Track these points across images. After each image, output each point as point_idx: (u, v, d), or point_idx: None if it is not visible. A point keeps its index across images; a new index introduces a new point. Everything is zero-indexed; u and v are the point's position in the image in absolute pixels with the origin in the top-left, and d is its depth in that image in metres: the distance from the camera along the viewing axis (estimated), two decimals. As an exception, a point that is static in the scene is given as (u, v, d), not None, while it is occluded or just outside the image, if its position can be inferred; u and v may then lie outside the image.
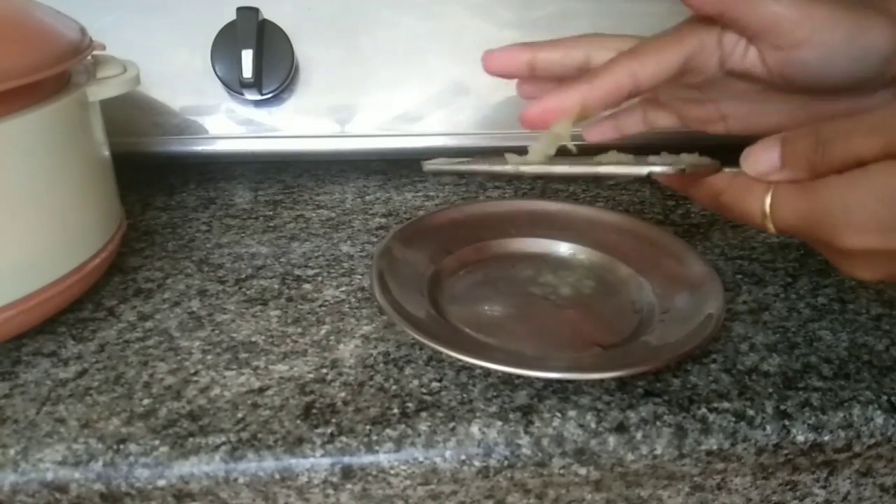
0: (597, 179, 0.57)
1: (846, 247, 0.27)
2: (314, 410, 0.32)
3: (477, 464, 0.31)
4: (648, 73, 0.32)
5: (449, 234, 0.44)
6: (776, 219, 0.29)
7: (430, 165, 0.35)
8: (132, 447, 0.31)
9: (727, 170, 0.31)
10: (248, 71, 0.51)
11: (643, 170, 0.30)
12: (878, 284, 0.42)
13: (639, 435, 0.32)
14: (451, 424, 0.32)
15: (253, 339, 0.38)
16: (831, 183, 0.27)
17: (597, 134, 0.40)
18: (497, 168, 0.33)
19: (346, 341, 0.37)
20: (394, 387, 0.34)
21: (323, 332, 0.38)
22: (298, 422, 0.32)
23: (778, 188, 0.29)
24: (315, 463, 0.31)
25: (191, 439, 0.31)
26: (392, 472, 0.31)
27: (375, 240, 0.48)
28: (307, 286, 0.42)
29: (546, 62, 0.36)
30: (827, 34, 0.31)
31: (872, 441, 0.33)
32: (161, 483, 0.30)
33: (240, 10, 0.51)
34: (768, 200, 0.29)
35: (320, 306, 0.40)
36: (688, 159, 0.32)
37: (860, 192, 0.26)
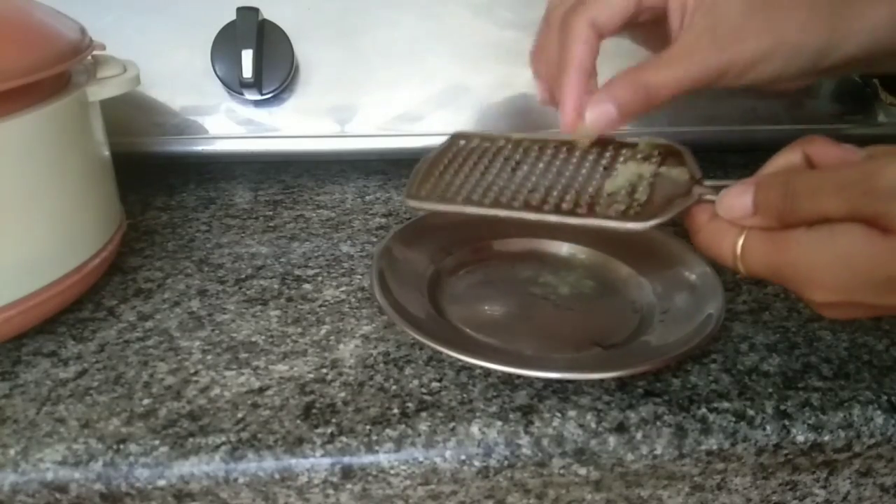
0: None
1: (812, 300, 0.28)
2: (314, 410, 0.32)
3: (477, 464, 0.31)
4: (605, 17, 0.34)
5: (449, 234, 0.44)
6: (746, 265, 0.29)
7: (413, 203, 0.35)
8: (132, 447, 0.31)
9: (705, 195, 0.31)
10: (248, 71, 0.51)
11: (620, 226, 0.32)
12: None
13: (639, 435, 0.32)
14: (451, 424, 0.32)
15: (253, 339, 0.38)
16: (798, 240, 0.28)
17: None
18: (481, 211, 0.34)
19: (346, 341, 0.37)
20: (394, 387, 0.34)
21: (323, 332, 0.38)
22: (298, 422, 0.32)
23: (749, 236, 0.29)
24: (315, 463, 0.31)
25: (191, 439, 0.31)
26: (392, 472, 0.31)
27: (375, 240, 0.48)
28: (307, 286, 0.42)
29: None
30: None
31: (872, 441, 0.33)
32: (161, 483, 0.30)
33: (240, 10, 0.51)
34: (740, 245, 0.29)
35: (320, 306, 0.40)
36: (668, 177, 0.34)
37: (825, 255, 0.27)
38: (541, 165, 0.35)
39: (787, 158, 0.30)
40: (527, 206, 0.33)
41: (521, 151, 0.37)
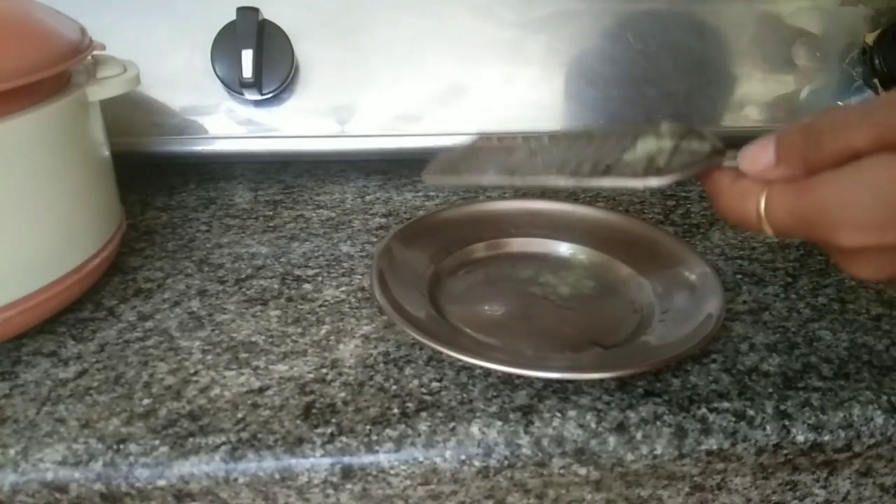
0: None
1: (844, 245, 0.26)
2: (314, 410, 0.32)
3: (477, 464, 0.31)
4: None
5: (449, 234, 0.44)
6: (772, 220, 0.28)
7: (430, 178, 0.35)
8: (132, 447, 0.31)
9: (728, 163, 0.30)
10: (248, 71, 0.51)
11: (637, 183, 0.30)
12: (878, 285, 0.42)
13: (639, 435, 0.32)
14: (451, 424, 0.32)
15: (253, 339, 0.38)
16: (824, 179, 0.26)
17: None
18: (497, 180, 0.33)
19: (346, 341, 0.37)
20: (394, 387, 0.34)
21: (323, 332, 0.38)
22: (298, 422, 0.32)
23: (772, 189, 0.28)
24: (315, 463, 0.31)
25: (191, 439, 0.31)
26: (392, 472, 0.31)
27: (375, 240, 0.48)
28: (307, 286, 0.42)
29: None
30: None
31: (872, 441, 0.33)
32: (161, 483, 0.30)
33: (240, 10, 0.51)
34: (763, 202, 0.28)
35: (320, 306, 0.40)
36: (687, 149, 0.32)
37: (854, 188, 0.25)
38: (558, 149, 0.35)
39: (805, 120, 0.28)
40: (540, 175, 0.32)
41: (540, 143, 0.36)
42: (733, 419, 0.32)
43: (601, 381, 0.34)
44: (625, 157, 0.33)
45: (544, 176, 0.32)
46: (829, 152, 0.26)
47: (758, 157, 0.29)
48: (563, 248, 0.45)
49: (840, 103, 0.58)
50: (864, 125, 0.25)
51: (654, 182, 0.30)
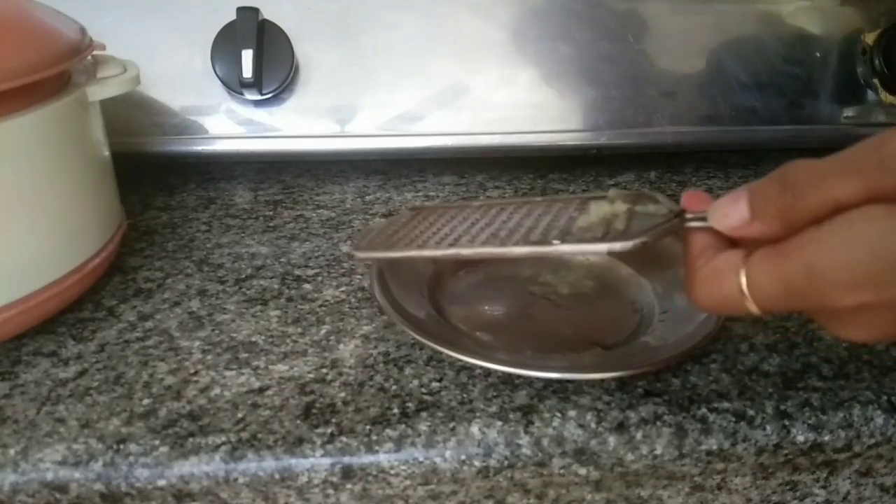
0: (596, 179, 0.57)
1: (840, 307, 0.24)
2: (314, 410, 0.32)
3: (477, 464, 0.31)
4: None
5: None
6: (756, 294, 0.25)
7: (360, 254, 0.34)
8: (132, 447, 0.31)
9: (692, 224, 0.28)
10: (248, 71, 0.51)
11: (602, 248, 0.28)
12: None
13: (639, 435, 0.32)
14: (451, 424, 0.32)
15: (253, 339, 0.38)
16: (809, 239, 0.24)
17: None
18: (439, 253, 0.32)
19: (346, 341, 0.37)
20: (394, 387, 0.34)
21: (323, 332, 0.38)
22: (298, 422, 0.32)
23: (751, 260, 0.25)
24: (315, 463, 0.31)
25: (191, 439, 0.31)
26: (392, 472, 0.31)
27: (375, 240, 0.48)
28: (307, 286, 0.42)
29: None
30: None
31: (872, 441, 0.33)
32: (161, 483, 0.30)
33: (240, 10, 0.51)
34: (744, 279, 0.25)
35: (320, 306, 0.40)
36: (644, 212, 0.30)
37: (845, 246, 0.23)
38: (502, 218, 0.33)
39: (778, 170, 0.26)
40: (489, 243, 0.31)
41: (481, 212, 0.34)
42: (733, 419, 0.32)
43: (601, 381, 0.34)
44: (578, 222, 0.31)
45: (494, 247, 0.30)
46: (809, 206, 0.24)
47: (730, 212, 0.26)
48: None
49: (847, 113, 0.58)
50: (847, 176, 0.23)
51: (618, 246, 0.27)
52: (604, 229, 0.29)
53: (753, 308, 0.26)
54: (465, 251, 0.31)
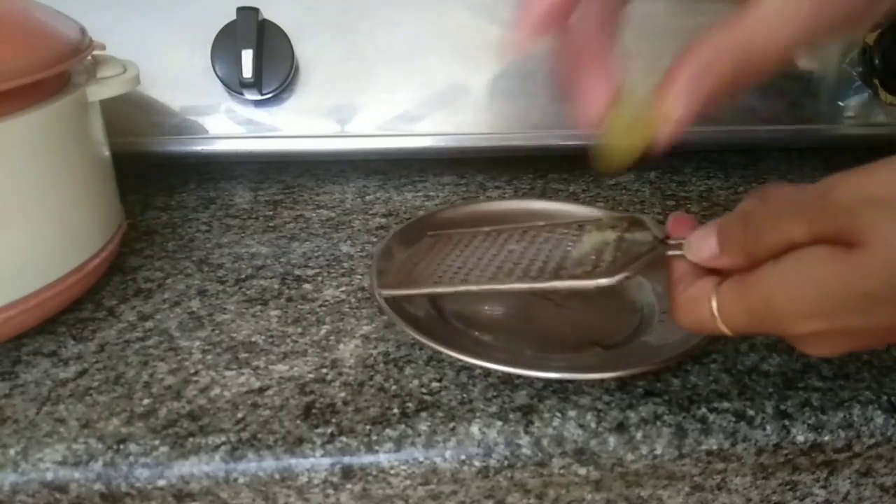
0: (597, 179, 0.57)
1: (797, 334, 0.27)
2: (314, 410, 0.32)
3: (477, 464, 0.31)
4: None
5: (449, 235, 0.44)
6: (725, 319, 0.28)
7: (386, 293, 0.37)
8: (132, 447, 0.31)
9: (672, 252, 0.31)
10: (248, 71, 0.51)
11: (590, 284, 0.32)
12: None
13: (639, 435, 0.32)
14: (451, 424, 0.32)
15: (253, 339, 0.38)
16: (766, 273, 0.26)
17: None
18: (451, 290, 0.36)
19: (346, 341, 0.37)
20: (394, 387, 0.34)
21: (323, 332, 0.38)
22: (298, 422, 0.32)
23: (721, 289, 0.28)
24: (315, 463, 0.31)
25: (191, 439, 0.31)
26: (392, 472, 0.31)
27: (375, 240, 0.48)
28: (307, 286, 0.42)
29: None
30: None
31: (872, 441, 0.33)
32: (161, 483, 0.30)
33: (240, 10, 0.51)
34: (715, 305, 0.28)
35: (320, 306, 0.40)
36: (632, 240, 0.35)
37: (796, 282, 0.25)
38: (509, 248, 0.38)
39: (744, 206, 0.29)
40: (494, 280, 0.35)
41: (490, 240, 0.39)
42: (733, 419, 0.32)
43: (601, 381, 0.34)
44: (572, 253, 0.36)
45: (499, 283, 0.34)
46: (768, 243, 0.26)
47: (701, 247, 0.29)
48: None
49: (847, 113, 0.58)
50: (798, 218, 0.26)
51: (604, 282, 0.31)
52: (595, 260, 0.34)
53: (726, 330, 0.28)
54: (474, 288, 0.35)
